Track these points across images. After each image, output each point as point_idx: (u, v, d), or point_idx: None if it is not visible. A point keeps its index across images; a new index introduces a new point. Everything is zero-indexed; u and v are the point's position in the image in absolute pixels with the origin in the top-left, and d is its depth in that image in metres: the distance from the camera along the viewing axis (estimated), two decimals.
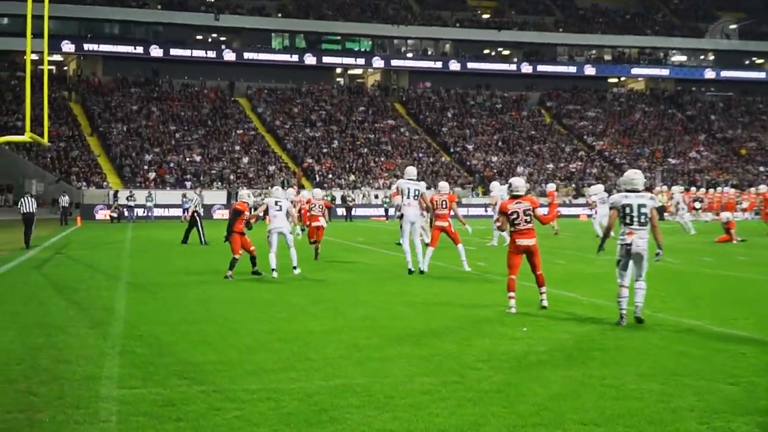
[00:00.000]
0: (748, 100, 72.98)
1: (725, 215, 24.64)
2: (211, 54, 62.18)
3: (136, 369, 7.12)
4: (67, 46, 58.61)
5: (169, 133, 55.04)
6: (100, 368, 7.15)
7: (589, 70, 70.30)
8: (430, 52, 68.63)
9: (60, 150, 50.07)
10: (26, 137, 18.35)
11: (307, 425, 5.54)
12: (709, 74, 72.50)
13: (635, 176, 9.53)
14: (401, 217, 15.05)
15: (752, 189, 41.99)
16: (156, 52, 60.65)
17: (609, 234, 9.66)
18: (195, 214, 24.20)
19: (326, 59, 65.44)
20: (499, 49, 70.61)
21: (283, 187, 22.82)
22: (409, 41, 67.99)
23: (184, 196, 39.13)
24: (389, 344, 8.20)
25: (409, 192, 14.61)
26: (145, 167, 50.69)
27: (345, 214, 45.49)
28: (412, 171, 15.09)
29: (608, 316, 9.77)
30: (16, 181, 46.92)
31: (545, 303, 10.43)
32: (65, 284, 13.61)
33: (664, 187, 41.51)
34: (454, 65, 67.25)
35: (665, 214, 34.23)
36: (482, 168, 57.18)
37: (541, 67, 69.17)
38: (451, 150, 59.75)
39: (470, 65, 67.79)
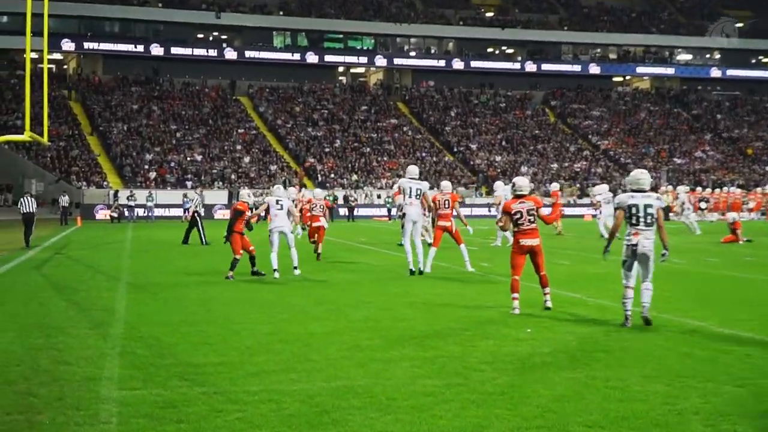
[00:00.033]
0: (755, 100, 72.78)
1: (731, 215, 24.58)
2: (213, 52, 62.13)
3: (137, 370, 7.08)
4: (67, 45, 58.57)
5: (170, 133, 55.03)
6: (100, 369, 7.12)
7: (594, 69, 70.12)
8: (433, 51, 68.57)
9: (60, 149, 50.06)
10: (26, 136, 18.34)
11: (309, 427, 5.50)
12: (715, 73, 72.29)
13: (642, 176, 9.45)
14: (403, 216, 14.97)
15: (759, 189, 41.96)
16: (156, 50, 60.59)
17: (615, 235, 9.58)
18: (195, 214, 24.16)
19: (328, 58, 65.37)
20: (503, 48, 70.53)
21: (284, 187, 22.76)
22: (412, 39, 67.93)
23: (184, 195, 39.07)
24: (392, 345, 8.15)
25: (411, 191, 14.52)
26: (146, 167, 50.69)
27: (347, 214, 45.45)
28: (413, 170, 15.00)
29: (613, 317, 9.72)
30: (16, 181, 46.90)
31: (549, 304, 10.38)
32: (65, 285, 13.57)
33: (670, 187, 41.43)
34: (458, 64, 67.14)
35: (670, 214, 34.16)
36: (486, 167, 57.12)
37: (545, 66, 69.03)
38: (455, 149, 59.69)
39: (474, 64, 67.69)
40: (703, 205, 37.80)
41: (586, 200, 49.07)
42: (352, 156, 56.38)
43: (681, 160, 62.20)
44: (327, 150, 56.51)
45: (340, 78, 68.82)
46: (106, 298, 11.92)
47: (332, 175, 53.33)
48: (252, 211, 16.28)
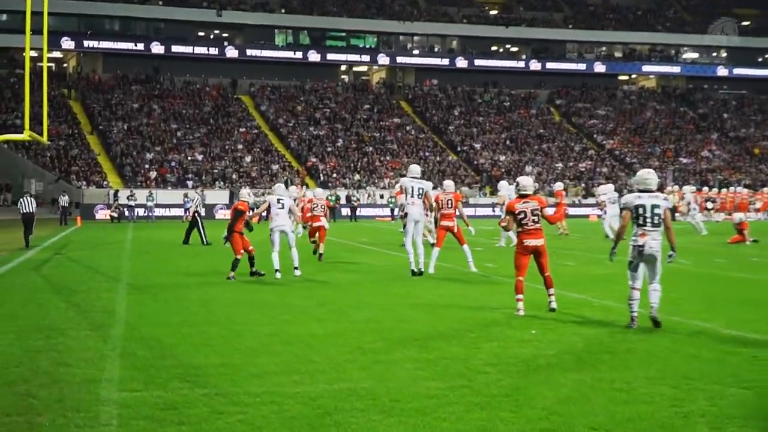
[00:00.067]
0: (762, 99, 72.49)
1: (738, 216, 24.49)
2: (213, 51, 62.10)
3: (137, 372, 7.05)
4: (67, 43, 58.50)
5: (171, 132, 54.99)
6: (100, 371, 7.09)
7: (599, 68, 69.89)
8: (436, 49, 68.47)
9: (59, 149, 50.02)
10: (25, 135, 18.28)
11: (311, 429, 5.47)
12: (722, 72, 72.07)
13: (648, 176, 9.36)
14: (405, 216, 14.90)
15: (765, 189, 41.92)
16: (157, 48, 60.51)
17: (621, 237, 9.46)
18: (196, 214, 24.11)
19: (330, 56, 65.30)
20: (507, 46, 70.41)
21: (286, 186, 22.70)
22: (415, 38, 67.86)
23: (185, 195, 39.00)
24: (394, 347, 8.11)
25: (413, 190, 14.46)
26: (146, 166, 50.66)
27: (350, 214, 45.40)
28: (416, 169, 14.94)
29: (618, 318, 9.66)
30: (15, 181, 46.86)
31: (554, 305, 10.30)
32: (65, 285, 13.53)
33: (676, 187, 41.39)
34: (461, 62, 67.02)
35: (676, 214, 34.11)
36: (490, 167, 57.03)
37: (549, 65, 68.82)
38: (458, 149, 59.62)
39: (477, 62, 67.58)
40: (709, 205, 37.75)
41: (591, 200, 48.94)
42: (355, 155, 56.32)
43: (687, 159, 62.04)
44: (329, 149, 56.45)
45: (343, 76, 68.73)
46: (106, 298, 11.88)
47: (334, 175, 53.28)
48: (252, 211, 16.23)
